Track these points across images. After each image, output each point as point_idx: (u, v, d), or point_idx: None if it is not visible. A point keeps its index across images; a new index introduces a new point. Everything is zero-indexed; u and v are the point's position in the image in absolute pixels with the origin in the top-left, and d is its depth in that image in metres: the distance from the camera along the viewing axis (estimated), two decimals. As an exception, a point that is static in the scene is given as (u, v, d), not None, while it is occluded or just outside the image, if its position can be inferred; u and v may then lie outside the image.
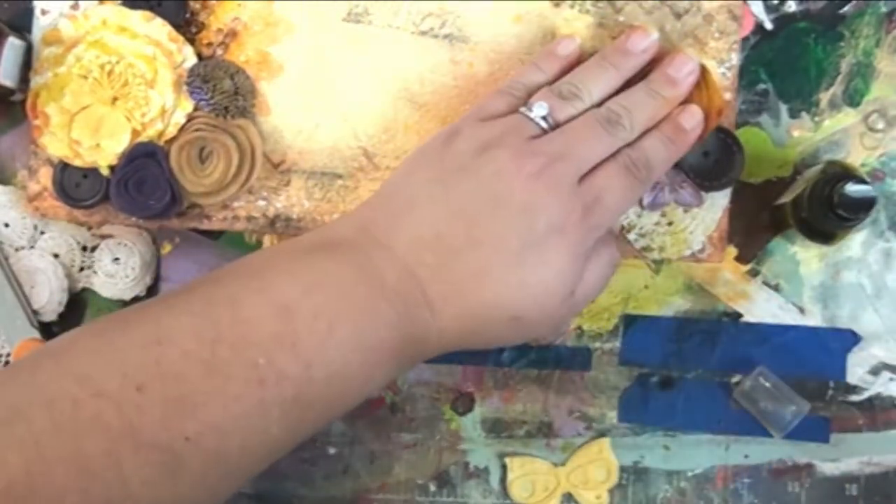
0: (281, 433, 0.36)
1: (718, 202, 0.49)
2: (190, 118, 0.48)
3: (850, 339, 0.52)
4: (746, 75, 0.52)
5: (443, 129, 0.43)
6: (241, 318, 0.36)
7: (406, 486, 0.54)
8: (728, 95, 0.48)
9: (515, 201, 0.40)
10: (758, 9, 0.51)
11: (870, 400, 0.53)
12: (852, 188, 0.45)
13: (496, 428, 0.54)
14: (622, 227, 0.48)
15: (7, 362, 0.52)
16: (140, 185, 0.47)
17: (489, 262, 0.39)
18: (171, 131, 0.48)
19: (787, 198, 0.50)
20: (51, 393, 0.33)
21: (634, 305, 0.53)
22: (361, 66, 0.49)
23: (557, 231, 0.40)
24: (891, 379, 0.52)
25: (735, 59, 0.48)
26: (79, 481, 0.32)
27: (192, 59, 0.48)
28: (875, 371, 0.52)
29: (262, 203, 0.49)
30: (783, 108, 0.52)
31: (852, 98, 0.52)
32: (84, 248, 0.52)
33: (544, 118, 0.42)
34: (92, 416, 0.32)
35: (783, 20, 0.51)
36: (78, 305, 0.53)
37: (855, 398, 0.53)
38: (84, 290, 0.53)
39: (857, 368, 0.52)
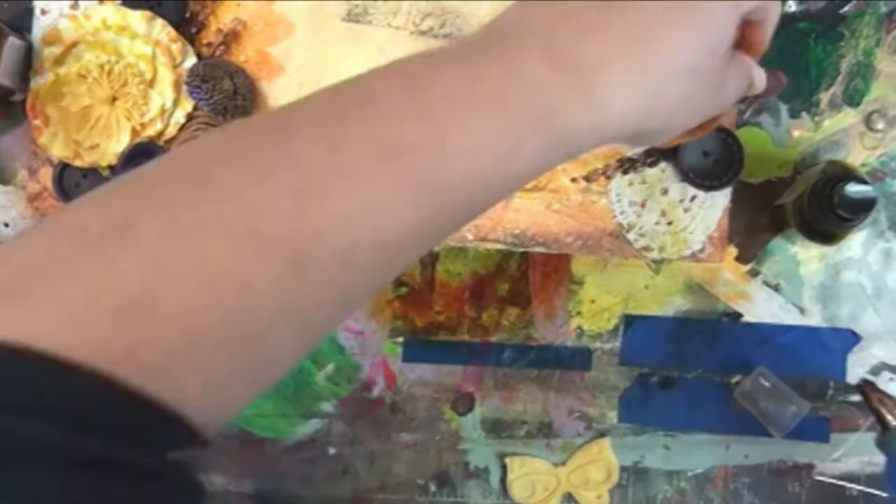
0: (412, 221, 0.32)
1: (718, 202, 0.49)
2: (189, 118, 0.48)
3: (850, 339, 0.52)
4: (746, 75, 0.52)
5: None
6: (367, 92, 0.32)
7: (406, 486, 0.54)
8: None
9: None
10: (758, 9, 0.51)
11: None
12: (852, 188, 0.45)
13: (496, 428, 0.54)
14: (621, 227, 0.48)
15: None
16: None
17: (657, 11, 0.35)
18: (171, 131, 0.48)
19: (787, 198, 0.50)
20: (166, 196, 0.29)
21: (634, 305, 0.53)
22: (361, 65, 0.49)
23: None
24: (891, 379, 0.52)
25: None
26: (201, 291, 0.28)
27: (191, 59, 0.48)
28: (875, 371, 0.52)
29: None
30: (783, 108, 0.52)
31: (852, 98, 0.52)
32: None
33: None
34: (211, 218, 0.29)
35: (783, 20, 0.51)
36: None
37: (855, 398, 0.53)
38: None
39: (857, 368, 0.52)
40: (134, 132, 0.48)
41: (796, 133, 0.52)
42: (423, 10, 0.49)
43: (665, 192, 0.49)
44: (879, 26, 0.51)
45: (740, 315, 0.53)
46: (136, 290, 0.27)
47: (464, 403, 0.53)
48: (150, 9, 0.48)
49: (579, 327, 0.53)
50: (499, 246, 0.49)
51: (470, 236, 0.48)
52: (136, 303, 0.27)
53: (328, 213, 0.30)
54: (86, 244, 0.28)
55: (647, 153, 0.49)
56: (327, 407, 0.53)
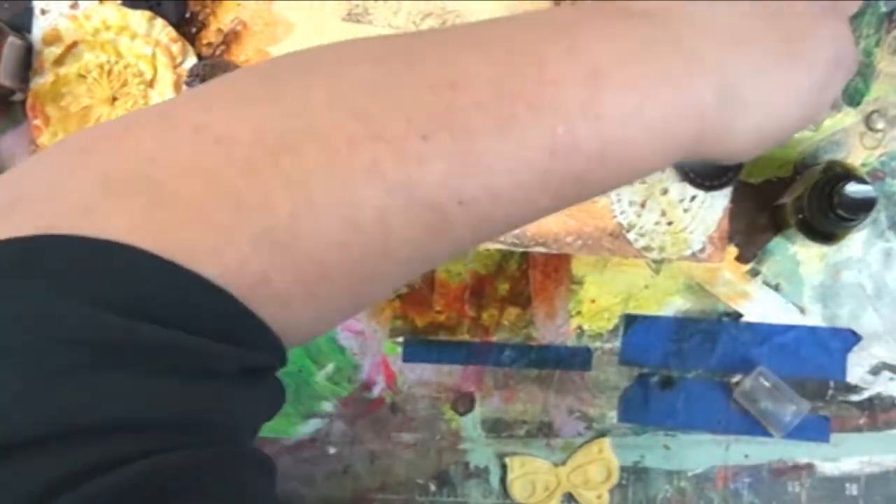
0: (548, 206, 0.32)
1: (718, 202, 0.49)
2: None
3: (850, 339, 0.52)
4: (746, 75, 0.52)
5: None
6: (547, 77, 0.31)
7: (406, 486, 0.54)
8: None
9: (823, 30, 0.37)
10: (758, 9, 0.51)
11: (870, 400, 0.53)
12: (852, 188, 0.45)
13: (496, 428, 0.54)
14: (621, 227, 0.48)
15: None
16: None
17: (802, 79, 0.36)
18: None
19: (787, 198, 0.50)
20: (326, 127, 0.28)
21: (634, 305, 0.53)
22: None
23: (840, 63, 0.38)
24: (891, 379, 0.52)
25: None
26: (342, 232, 0.28)
27: (191, 59, 0.48)
28: (875, 371, 0.52)
29: None
30: (783, 108, 0.52)
31: (852, 98, 0.52)
32: None
33: None
34: (369, 161, 0.28)
35: (783, 20, 0.51)
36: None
37: (855, 398, 0.53)
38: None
39: (857, 368, 0.52)
40: None
41: (796, 133, 0.52)
42: (423, 10, 0.49)
43: (665, 192, 0.49)
44: (879, 26, 0.51)
45: (740, 315, 0.53)
46: (282, 218, 0.27)
47: (464, 403, 0.53)
48: (150, 9, 0.48)
49: (579, 327, 0.53)
50: (499, 246, 0.49)
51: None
52: (279, 229, 0.27)
53: (482, 184, 0.30)
54: (235, 157, 0.27)
55: None
56: (327, 407, 0.53)
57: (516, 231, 0.48)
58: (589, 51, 0.32)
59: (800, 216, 0.48)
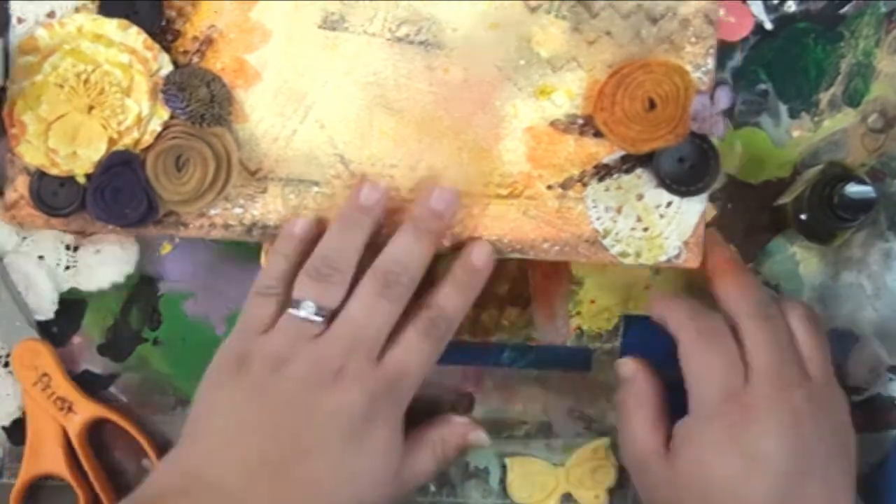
0: None
1: (695, 207, 0.48)
2: (166, 126, 0.48)
3: (850, 339, 0.52)
4: (746, 75, 0.52)
5: (224, 351, 0.44)
6: None
7: (406, 486, 0.54)
8: (704, 99, 0.48)
9: (325, 405, 0.41)
10: (758, 9, 0.51)
11: (870, 400, 0.53)
12: (852, 188, 0.45)
13: (496, 428, 0.53)
14: (597, 233, 0.48)
15: (7, 363, 0.52)
16: (116, 194, 0.47)
17: (320, 468, 0.41)
18: (148, 139, 0.48)
19: (787, 198, 0.50)
20: None
21: (634, 305, 0.53)
22: (337, 73, 0.49)
23: (371, 418, 0.41)
24: (891, 379, 0.52)
25: (711, 63, 0.48)
26: None
27: (168, 67, 0.48)
28: (875, 371, 0.52)
29: (238, 210, 0.49)
30: (783, 108, 0.52)
31: (852, 98, 0.52)
32: (68, 248, 0.52)
33: (316, 313, 0.43)
34: None
35: (783, 20, 0.51)
36: (77, 305, 0.53)
37: (855, 398, 0.52)
38: (73, 289, 0.53)
39: (857, 368, 0.52)
40: (111, 141, 0.47)
41: (796, 133, 0.52)
42: (399, 17, 0.49)
43: (640, 197, 0.49)
44: (879, 26, 0.51)
45: (740, 315, 0.53)
46: None
47: (464, 403, 0.53)
48: (126, 17, 0.48)
49: (579, 327, 0.53)
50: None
51: (447, 242, 0.48)
52: None
53: None
54: None
55: (623, 159, 0.48)
56: (327, 407, 0.53)
57: (493, 238, 0.48)
58: None
59: (800, 216, 0.48)
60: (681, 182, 0.48)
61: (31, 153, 0.48)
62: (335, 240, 0.45)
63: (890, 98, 0.52)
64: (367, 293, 0.43)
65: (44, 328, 0.52)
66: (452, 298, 0.45)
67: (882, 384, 0.52)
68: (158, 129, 0.48)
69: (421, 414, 0.45)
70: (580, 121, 0.48)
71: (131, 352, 0.54)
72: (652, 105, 0.47)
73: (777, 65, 0.52)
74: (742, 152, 0.52)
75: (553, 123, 0.49)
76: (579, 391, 0.53)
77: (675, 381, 0.53)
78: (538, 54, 0.49)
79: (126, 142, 0.47)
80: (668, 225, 0.49)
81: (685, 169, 0.48)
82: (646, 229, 0.48)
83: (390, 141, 0.49)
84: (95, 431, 0.53)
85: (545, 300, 0.53)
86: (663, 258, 0.49)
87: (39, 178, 0.48)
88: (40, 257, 0.52)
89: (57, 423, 0.52)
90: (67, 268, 0.52)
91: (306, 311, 0.43)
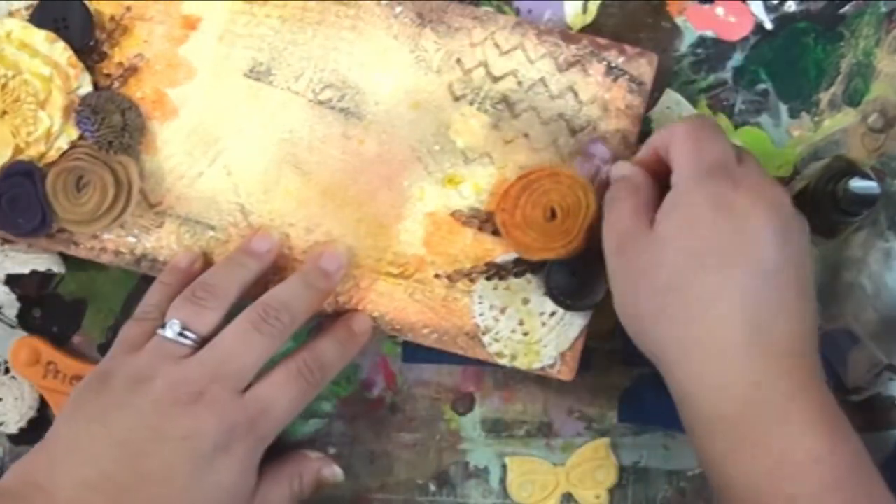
0: None
1: (577, 322, 0.49)
2: (73, 145, 0.48)
3: (850, 339, 0.52)
4: (746, 75, 0.52)
5: (94, 370, 0.44)
6: None
7: (406, 486, 0.54)
8: (601, 147, 0.49)
9: (177, 429, 0.41)
10: (758, 9, 0.51)
11: (870, 400, 0.53)
12: (857, 184, 0.45)
13: (496, 428, 0.54)
14: (478, 328, 0.49)
15: (7, 369, 0.52)
16: (13, 202, 0.47)
17: (160, 495, 0.40)
18: (53, 155, 0.48)
19: (791, 192, 0.50)
20: None
21: (634, 305, 0.53)
22: (254, 123, 0.49)
23: (223, 450, 0.41)
24: (891, 379, 0.52)
25: None
26: None
27: (87, 87, 0.48)
28: (875, 371, 0.52)
29: (131, 240, 0.49)
30: (783, 108, 0.52)
31: (852, 98, 0.52)
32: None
33: (182, 334, 0.43)
34: None
35: (783, 20, 0.51)
36: (77, 305, 0.53)
37: (855, 398, 0.53)
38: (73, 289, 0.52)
39: (857, 368, 0.52)
40: (17, 149, 0.47)
41: (796, 133, 0.52)
42: (325, 80, 0.49)
43: (526, 301, 0.49)
44: (879, 26, 0.51)
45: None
46: None
47: (464, 403, 0.53)
48: (56, 30, 0.47)
49: (579, 327, 0.53)
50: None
51: (329, 309, 0.49)
52: None
53: None
54: None
55: (517, 262, 0.49)
56: (327, 407, 0.53)
57: (376, 314, 0.49)
58: None
59: (802, 211, 0.48)
60: (567, 295, 0.48)
61: (-67, 153, 0.48)
62: (219, 271, 0.46)
63: (890, 98, 0.52)
64: (243, 324, 0.43)
65: (43, 328, 0.52)
66: (331, 351, 0.46)
67: (882, 384, 0.52)
68: (65, 146, 0.48)
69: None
70: (482, 216, 0.49)
71: (131, 351, 0.53)
72: (553, 215, 0.48)
73: (777, 65, 0.52)
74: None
75: (455, 213, 0.49)
76: (579, 391, 0.53)
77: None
78: (454, 143, 0.49)
79: (31, 153, 0.48)
80: (549, 333, 0.49)
81: (574, 283, 0.48)
82: (525, 334, 0.49)
83: (293, 200, 0.49)
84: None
85: (545, 300, 0.53)
86: (537, 365, 0.49)
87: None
88: None
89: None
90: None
91: (172, 330, 0.43)
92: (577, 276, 0.48)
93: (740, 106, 0.52)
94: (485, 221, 0.49)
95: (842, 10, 0.51)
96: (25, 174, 0.47)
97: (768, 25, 0.52)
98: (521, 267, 0.49)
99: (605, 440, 0.53)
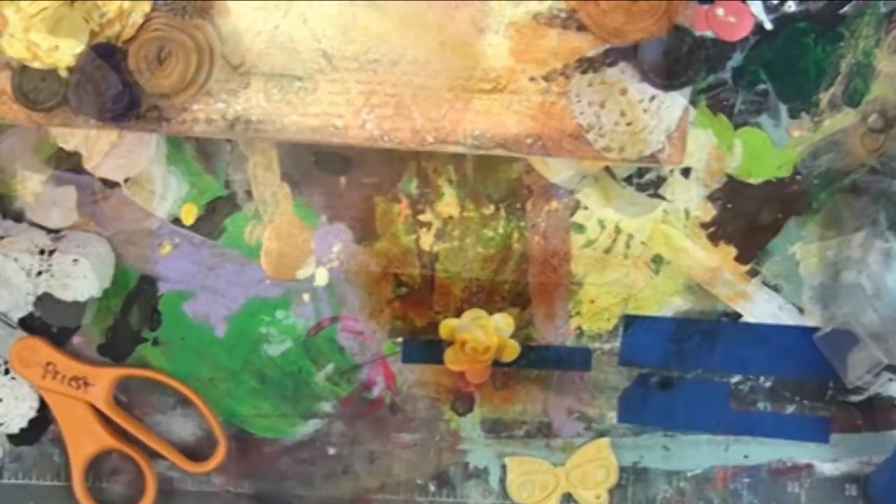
0: None
1: (678, 102, 0.48)
2: (148, 18, 0.47)
3: (850, 339, 0.52)
4: (746, 75, 0.52)
5: None
6: None
7: (406, 486, 0.54)
8: None
9: None
10: (758, 9, 0.51)
11: (870, 400, 0.53)
12: None
13: (496, 428, 0.54)
14: (581, 127, 0.48)
15: (7, 370, 0.52)
16: (98, 87, 0.46)
17: None
18: (129, 32, 0.47)
19: None
20: None
21: (634, 305, 0.53)
22: None
23: None
24: (891, 379, 0.52)
25: None
26: None
27: None
28: (875, 371, 0.52)
29: (221, 105, 0.48)
30: (783, 108, 0.52)
31: (852, 98, 0.52)
32: (42, 252, 0.51)
33: None
34: None
35: (783, 20, 0.51)
36: (77, 305, 0.53)
37: (855, 398, 0.53)
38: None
39: (857, 368, 0.52)
40: (93, 34, 0.46)
41: (796, 133, 0.52)
42: None
43: (624, 91, 0.48)
44: (879, 26, 0.51)
45: (740, 315, 0.53)
46: None
47: (463, 403, 0.53)
48: None
49: (579, 327, 0.53)
50: (459, 149, 0.48)
51: (430, 138, 0.48)
52: None
53: None
54: None
55: (607, 53, 0.48)
56: (327, 407, 0.53)
57: (476, 132, 0.48)
58: None
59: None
60: (664, 75, 0.47)
61: (12, 47, 0.47)
62: None
63: (890, 98, 0.52)
64: None
65: (43, 328, 0.53)
66: None
67: (882, 384, 0.52)
68: (140, 20, 0.47)
69: None
70: (563, 14, 0.48)
71: (131, 352, 0.54)
72: None
73: (777, 65, 0.52)
74: (742, 152, 0.52)
75: (536, 17, 0.48)
76: (579, 391, 0.53)
77: (675, 381, 0.53)
78: None
79: (108, 34, 0.47)
80: (652, 119, 0.48)
81: (669, 62, 0.47)
82: (629, 123, 0.48)
83: (373, 35, 0.48)
84: (123, 394, 0.53)
85: (544, 300, 0.53)
86: (647, 152, 0.48)
87: (21, 73, 0.47)
88: (15, 259, 0.51)
89: (81, 402, 0.51)
90: (40, 273, 0.51)
91: None
92: (671, 54, 0.47)
93: (740, 106, 0.52)
94: (567, 19, 0.48)
95: (842, 11, 0.51)
96: (106, 56, 0.46)
97: (768, 25, 0.51)
98: (612, 56, 0.48)
99: (605, 440, 0.53)
